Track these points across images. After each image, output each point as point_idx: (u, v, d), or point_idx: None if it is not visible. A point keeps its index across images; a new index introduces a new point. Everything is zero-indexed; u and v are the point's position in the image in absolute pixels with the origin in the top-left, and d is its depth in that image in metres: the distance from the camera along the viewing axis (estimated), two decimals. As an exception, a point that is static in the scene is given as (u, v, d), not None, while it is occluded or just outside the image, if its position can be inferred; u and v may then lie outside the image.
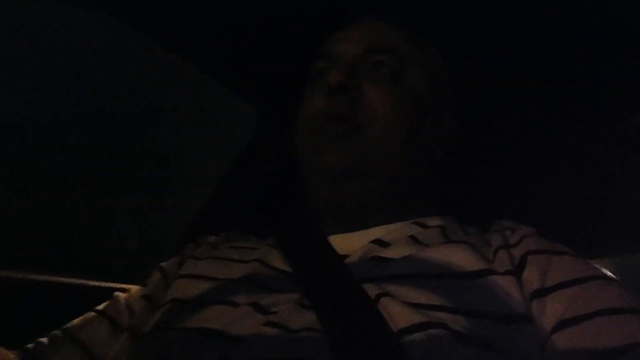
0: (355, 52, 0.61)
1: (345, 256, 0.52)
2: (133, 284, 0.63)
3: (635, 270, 0.85)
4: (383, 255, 0.50)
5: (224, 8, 0.71)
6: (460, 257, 0.47)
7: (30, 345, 0.50)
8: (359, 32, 0.64)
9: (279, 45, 0.76)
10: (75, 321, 0.54)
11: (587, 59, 0.75)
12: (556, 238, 0.52)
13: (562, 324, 0.40)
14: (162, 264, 0.61)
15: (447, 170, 0.66)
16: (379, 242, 0.53)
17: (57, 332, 0.53)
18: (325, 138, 0.57)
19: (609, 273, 0.46)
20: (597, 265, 0.47)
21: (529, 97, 0.80)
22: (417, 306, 0.42)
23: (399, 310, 0.41)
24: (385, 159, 0.57)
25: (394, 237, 0.53)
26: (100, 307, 0.56)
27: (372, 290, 0.44)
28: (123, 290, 0.60)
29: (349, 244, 0.54)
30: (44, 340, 0.51)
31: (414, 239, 0.52)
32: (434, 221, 0.57)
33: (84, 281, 0.77)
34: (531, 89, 0.79)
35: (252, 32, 0.75)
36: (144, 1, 0.69)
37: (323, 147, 0.57)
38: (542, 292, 0.43)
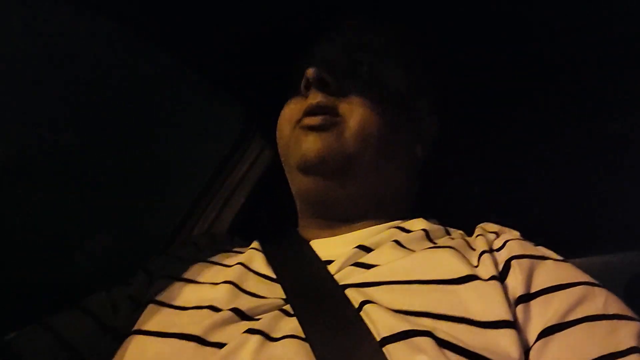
0: (335, 51, 0.62)
1: (329, 262, 0.51)
2: (117, 282, 0.62)
3: (618, 269, 0.86)
4: (367, 261, 0.50)
5: (212, 8, 0.70)
6: (444, 263, 0.46)
7: (8, 339, 0.48)
8: (339, 33, 0.64)
9: (266, 45, 0.76)
10: (59, 316, 0.52)
11: (572, 62, 0.75)
12: (540, 237, 0.52)
13: (547, 331, 0.40)
14: (148, 263, 0.60)
15: (429, 171, 0.66)
16: (363, 248, 0.52)
17: (38, 326, 0.50)
18: (303, 129, 0.57)
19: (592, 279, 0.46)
20: (581, 265, 0.48)
21: (514, 99, 0.81)
22: (400, 313, 0.41)
23: (382, 318, 0.41)
24: (364, 153, 0.56)
25: (378, 241, 0.53)
26: (86, 303, 0.54)
27: (355, 296, 0.44)
28: (110, 287, 0.58)
29: (332, 249, 0.54)
30: (24, 334, 0.49)
31: (398, 243, 0.52)
32: (417, 224, 0.57)
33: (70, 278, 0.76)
34: (515, 91, 0.80)
35: (239, 32, 0.75)
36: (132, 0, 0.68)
37: (301, 137, 0.57)
38: (526, 298, 0.43)
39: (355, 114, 0.57)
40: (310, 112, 0.57)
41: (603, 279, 0.47)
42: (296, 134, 0.58)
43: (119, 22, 0.70)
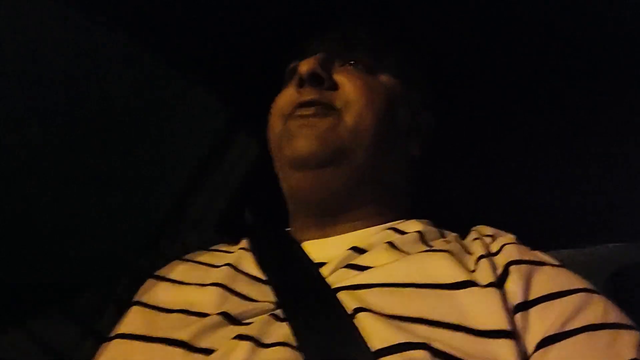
0: (328, 49, 0.61)
1: (322, 264, 0.50)
2: (102, 283, 0.61)
3: (602, 261, 0.87)
4: (360, 263, 0.48)
5: (199, 7, 0.69)
6: (440, 267, 0.45)
7: None
8: (333, 32, 0.63)
9: (254, 43, 0.75)
10: (42, 318, 0.50)
11: (568, 61, 0.75)
12: (526, 229, 0.52)
13: (546, 340, 0.39)
14: (133, 262, 0.59)
15: (424, 171, 0.65)
16: (356, 249, 0.51)
17: (20, 329, 0.49)
18: (295, 124, 0.56)
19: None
20: (566, 257, 0.48)
21: (508, 99, 0.81)
22: (395, 319, 0.40)
23: (377, 327, 0.39)
24: (357, 148, 0.55)
25: (372, 243, 0.52)
26: (69, 305, 0.52)
27: (348, 301, 0.43)
28: (92, 288, 0.57)
29: (325, 250, 0.53)
30: (5, 337, 0.48)
31: (392, 245, 0.50)
32: (411, 226, 0.56)
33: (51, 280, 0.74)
34: (509, 91, 0.79)
35: (227, 29, 0.74)
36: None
37: (294, 132, 0.55)
38: (525, 305, 0.42)
39: (351, 108, 0.56)
40: (303, 105, 0.56)
41: (588, 271, 0.47)
42: (288, 127, 0.56)
43: (100, 17, 0.69)
